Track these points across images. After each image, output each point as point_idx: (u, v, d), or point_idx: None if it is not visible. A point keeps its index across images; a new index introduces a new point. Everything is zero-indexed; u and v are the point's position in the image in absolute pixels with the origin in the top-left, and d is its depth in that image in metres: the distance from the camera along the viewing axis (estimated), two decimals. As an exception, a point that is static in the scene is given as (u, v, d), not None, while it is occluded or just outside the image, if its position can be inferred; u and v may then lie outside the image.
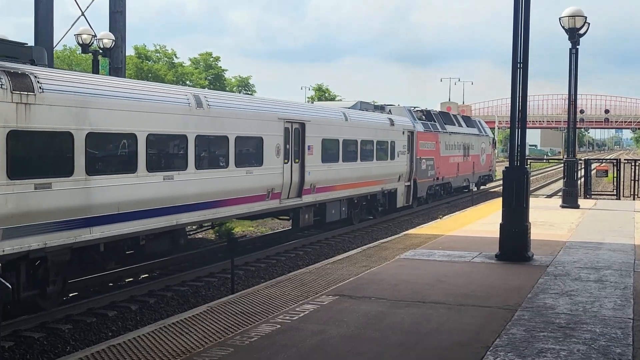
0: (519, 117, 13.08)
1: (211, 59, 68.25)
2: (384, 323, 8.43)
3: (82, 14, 31.31)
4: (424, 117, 32.47)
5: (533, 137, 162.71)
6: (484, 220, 19.36)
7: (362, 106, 27.32)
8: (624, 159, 31.34)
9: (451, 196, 36.87)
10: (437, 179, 33.01)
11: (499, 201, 25.19)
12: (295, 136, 19.54)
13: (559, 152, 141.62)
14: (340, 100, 65.49)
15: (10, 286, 3.60)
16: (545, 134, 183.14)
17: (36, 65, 11.91)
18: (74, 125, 11.80)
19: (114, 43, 27.90)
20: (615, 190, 28.39)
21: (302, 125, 19.83)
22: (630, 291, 10.33)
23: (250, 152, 17.67)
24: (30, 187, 10.88)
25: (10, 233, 10.52)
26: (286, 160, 18.99)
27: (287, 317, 8.62)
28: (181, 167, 14.72)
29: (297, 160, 19.63)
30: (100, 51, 27.90)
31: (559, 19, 22.64)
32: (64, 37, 40.40)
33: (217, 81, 66.96)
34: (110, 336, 12.10)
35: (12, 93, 10.47)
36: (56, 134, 11.52)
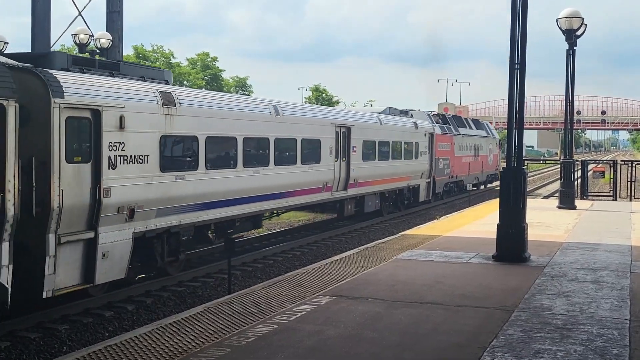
0: (516, 118, 13.09)
1: (208, 59, 68.02)
2: (381, 324, 8.42)
3: (80, 14, 31.28)
4: (440, 120, 35.51)
5: (530, 138, 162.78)
6: (481, 221, 19.38)
7: (390, 111, 30.39)
8: (621, 160, 31.40)
9: (463, 193, 39.24)
10: (452, 177, 36.17)
11: (495, 202, 25.16)
12: (342, 138, 22.74)
13: (556, 153, 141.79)
14: (338, 101, 65.90)
15: (8, 287, 3.59)
16: (542, 135, 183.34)
17: (170, 85, 15.69)
18: (198, 131, 15.13)
19: (111, 43, 27.87)
20: (611, 192, 28.40)
21: (348, 129, 23.08)
22: (627, 292, 10.34)
23: (311, 151, 20.95)
24: (173, 178, 14.26)
25: (160, 212, 13.94)
26: (336, 159, 22.22)
27: (284, 318, 8.61)
28: (265, 163, 18.09)
29: (344, 159, 22.81)
30: (98, 51, 27.86)
31: (556, 20, 22.68)
32: (61, 37, 40.30)
33: (215, 81, 66.81)
34: (107, 336, 12.07)
35: (162, 107, 13.91)
36: (187, 137, 14.95)
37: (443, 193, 34.83)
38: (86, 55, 28.32)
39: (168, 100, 14.15)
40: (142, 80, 14.49)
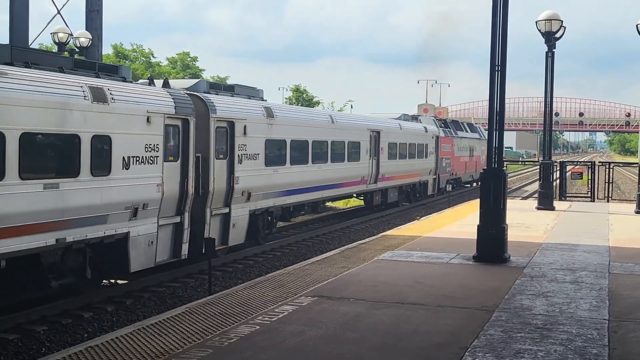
0: (496, 119, 13.15)
1: (188, 59, 67.92)
2: (363, 324, 8.45)
3: (58, 12, 31.05)
4: (442, 125, 40.67)
5: (508, 139, 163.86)
6: (461, 222, 19.48)
7: (404, 117, 35.03)
8: (599, 162, 31.69)
9: (462, 188, 45.32)
10: (452, 174, 41.38)
11: (475, 202, 25.36)
12: (374, 141, 27.75)
13: (534, 155, 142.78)
14: (318, 102, 66.35)
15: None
16: (520, 137, 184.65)
17: (267, 101, 20.80)
18: (286, 136, 20.00)
19: (90, 42, 27.69)
20: (589, 193, 28.65)
21: (378, 133, 28.20)
22: (606, 292, 10.45)
23: (354, 151, 25.82)
24: (271, 171, 19.12)
25: (264, 196, 18.79)
26: (370, 158, 27.19)
27: (267, 318, 8.61)
28: (325, 161, 23.03)
29: (375, 157, 27.74)
30: (77, 50, 27.67)
31: (536, 22, 22.86)
32: (39, 36, 39.95)
33: (194, 81, 66.59)
34: (86, 337, 11.99)
35: (266, 118, 18.91)
36: (280, 140, 19.79)
37: (445, 188, 39.08)
38: (65, 54, 28.13)
39: (269, 114, 19.24)
40: (249, 99, 19.31)
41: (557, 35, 22.90)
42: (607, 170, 28.65)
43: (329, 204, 30.54)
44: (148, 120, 13.89)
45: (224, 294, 10.33)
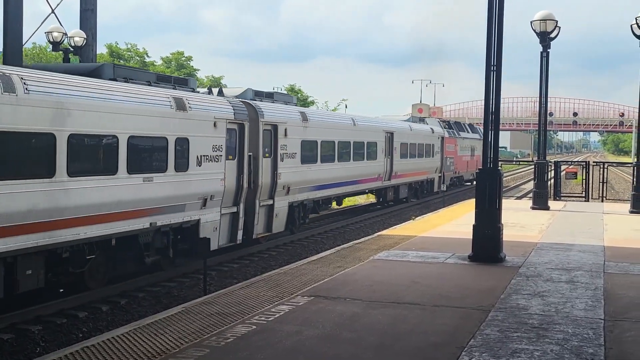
0: (492, 119, 13.16)
1: (183, 59, 67.78)
2: (360, 324, 8.45)
3: (52, 12, 30.96)
4: (447, 126, 43.39)
5: (503, 139, 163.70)
6: (456, 222, 19.50)
7: (413, 119, 39.22)
8: (593, 162, 31.75)
9: (463, 187, 48.30)
10: (455, 172, 44.39)
11: (469, 202, 25.43)
12: (388, 141, 30.45)
13: (528, 154, 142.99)
14: (313, 101, 66.58)
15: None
16: (514, 136, 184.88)
17: (299, 106, 25.37)
18: (318, 137, 22.88)
19: (85, 41, 27.62)
20: (584, 192, 28.72)
21: (392, 134, 30.95)
22: (601, 292, 10.47)
23: (372, 151, 28.66)
24: (306, 168, 21.75)
25: (300, 190, 21.65)
26: (384, 156, 29.96)
27: (263, 318, 8.60)
28: (348, 160, 25.88)
29: (389, 156, 30.43)
30: (72, 49, 27.60)
31: (531, 22, 22.87)
32: (33, 35, 39.87)
33: (190, 81, 66.49)
34: (81, 337, 11.98)
35: (302, 122, 21.72)
36: (313, 141, 22.64)
37: (449, 185, 42.19)
38: (60, 53, 28.03)
39: (304, 117, 22.15)
40: (286, 104, 22.10)
41: (552, 35, 22.92)
42: (601, 170, 28.72)
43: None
44: (214, 125, 16.67)
45: (220, 293, 10.32)
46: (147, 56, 65.27)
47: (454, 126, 45.62)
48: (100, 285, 14.26)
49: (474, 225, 13.14)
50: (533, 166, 27.39)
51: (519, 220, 19.58)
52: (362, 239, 16.45)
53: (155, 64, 65.62)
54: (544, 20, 22.62)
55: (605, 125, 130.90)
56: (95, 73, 14.46)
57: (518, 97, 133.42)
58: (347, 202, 33.68)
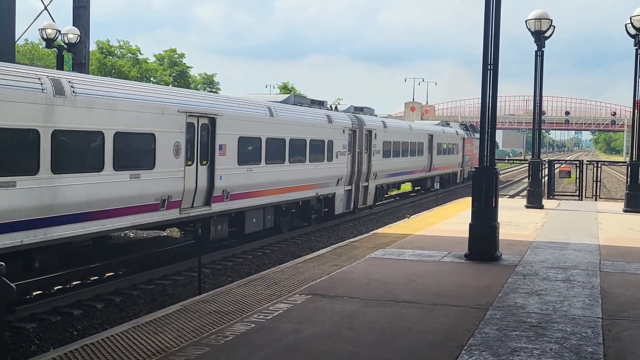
0: (489, 118, 13.17)
1: (176, 56, 67.75)
2: (358, 322, 8.45)
3: (45, 8, 30.82)
4: (464, 128, 52.41)
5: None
6: (451, 220, 19.53)
7: (442, 124, 48.32)
8: (586, 160, 31.87)
9: (450, 186, 51.63)
10: (471, 167, 48.69)
11: (463, 201, 25.54)
12: (429, 141, 38.95)
13: (521, 153, 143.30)
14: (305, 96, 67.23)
15: (14, 287, 3.60)
16: (507, 135, 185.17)
17: (377, 116, 33.39)
18: (391, 139, 30.41)
19: (79, 38, 27.54)
20: (577, 191, 28.82)
21: (432, 135, 39.52)
22: (598, 291, 10.51)
23: (420, 149, 36.91)
24: (386, 161, 30.15)
25: (380, 176, 29.54)
26: (427, 153, 38.59)
27: (262, 316, 8.59)
28: (407, 155, 34.19)
29: (429, 153, 39.07)
30: (65, 46, 27.51)
31: (525, 21, 22.91)
32: (26, 31, 39.75)
33: (182, 78, 66.46)
34: (76, 335, 11.95)
35: (384, 128, 29.70)
36: (388, 142, 30.09)
37: (466, 178, 48.03)
38: (54, 50, 27.96)
39: (385, 125, 30.67)
40: (371, 115, 30.76)
41: (547, 34, 22.97)
42: (594, 169, 28.83)
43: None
44: (343, 131, 25.52)
45: (217, 291, 10.30)
46: (140, 53, 65.14)
47: (470, 128, 54.06)
48: (288, 229, 22.80)
49: (470, 224, 13.16)
50: (526, 165, 27.44)
51: (514, 219, 19.64)
52: (358, 238, 16.45)
53: (148, 61, 65.46)
54: (538, 19, 22.66)
55: (597, 124, 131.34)
56: (286, 100, 23.93)
57: (510, 96, 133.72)
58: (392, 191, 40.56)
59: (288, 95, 26.29)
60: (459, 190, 42.59)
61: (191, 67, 69.75)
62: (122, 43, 64.36)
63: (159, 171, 15.22)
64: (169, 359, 6.92)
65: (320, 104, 26.35)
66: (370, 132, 28.01)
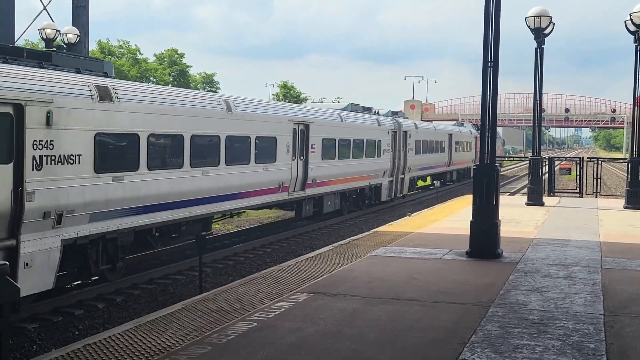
0: (489, 115, 13.17)
1: (176, 56, 67.71)
2: (360, 320, 8.44)
3: (44, 8, 30.84)
4: (476, 128, 55.36)
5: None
6: (451, 218, 19.52)
7: (457, 124, 55.94)
8: (587, 157, 31.83)
9: (451, 184, 55.34)
10: None
11: (464, 198, 25.52)
12: (449, 140, 45.06)
13: (520, 150, 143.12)
14: (306, 98, 67.17)
15: (19, 287, 3.61)
16: (506, 132, 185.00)
17: (408, 119, 42.90)
18: (421, 138, 37.98)
19: (78, 38, 27.53)
20: (578, 188, 28.79)
21: (451, 135, 45.95)
22: (599, 287, 10.50)
23: (442, 146, 43.12)
24: (418, 156, 36.81)
25: (413, 170, 35.95)
26: (448, 151, 45.06)
27: (263, 315, 8.59)
28: (432, 152, 39.99)
29: (449, 151, 45.40)
30: (65, 46, 27.49)
31: (525, 18, 22.89)
32: (25, 32, 39.70)
33: (182, 77, 66.43)
34: (78, 335, 11.97)
35: (416, 129, 36.95)
36: (419, 141, 37.11)
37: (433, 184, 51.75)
38: (52, 49, 27.93)
39: (417, 126, 37.23)
40: (405, 118, 38.37)
41: (547, 31, 22.95)
42: (595, 166, 28.78)
43: (253, 214, 35.87)
44: (387, 132, 30.85)
45: (219, 290, 10.29)
46: (140, 53, 65.09)
47: (479, 127, 60.83)
48: (347, 212, 28.11)
49: (471, 221, 13.15)
50: (527, 162, 27.41)
51: (515, 216, 19.63)
52: (359, 236, 16.43)
53: (148, 60, 65.42)
54: (538, 16, 22.64)
55: (597, 121, 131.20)
56: (345, 108, 29.37)
57: (510, 93, 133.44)
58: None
59: (346, 104, 30.76)
60: (456, 190, 42.63)
61: (191, 67, 69.77)
62: (122, 43, 64.40)
63: (278, 164, 20.83)
64: (171, 358, 6.91)
65: (369, 109, 31.55)
66: (405, 132, 33.71)
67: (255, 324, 8.19)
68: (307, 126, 22.70)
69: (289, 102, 60.51)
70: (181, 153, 16.06)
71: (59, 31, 27.89)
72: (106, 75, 15.10)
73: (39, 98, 11.80)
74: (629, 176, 23.50)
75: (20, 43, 32.70)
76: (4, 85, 11.26)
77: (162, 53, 68.33)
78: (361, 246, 14.22)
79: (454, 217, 19.67)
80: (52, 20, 29.61)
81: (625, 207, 22.84)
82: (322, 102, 67.58)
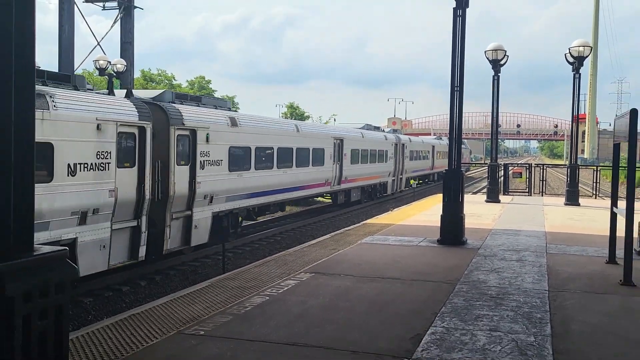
0: (455, 130, 13.16)
1: (204, 82, 67.72)
2: (352, 295, 8.42)
3: (98, 44, 30.83)
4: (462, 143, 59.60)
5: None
6: (426, 212, 19.48)
7: (437, 138, 54.67)
8: (535, 164, 31.77)
9: (426, 185, 55.28)
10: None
11: (436, 197, 25.43)
12: (432, 151, 47.58)
13: (481, 158, 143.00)
14: (309, 116, 66.88)
15: (77, 267, 3.60)
16: (470, 144, 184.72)
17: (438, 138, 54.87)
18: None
19: (125, 68, 27.51)
20: (527, 189, 28.76)
21: (433, 146, 48.16)
22: (545, 268, 10.48)
23: (425, 155, 45.40)
24: (415, 159, 42.70)
25: (388, 175, 34.14)
26: (431, 159, 47.25)
27: (274, 291, 8.56)
28: (416, 159, 42.14)
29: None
30: (114, 74, 27.49)
31: (485, 52, 22.91)
32: (83, 62, 39.69)
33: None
34: (125, 307, 11.94)
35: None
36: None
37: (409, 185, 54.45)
38: (105, 77, 27.93)
39: (410, 140, 39.85)
40: (399, 134, 39.80)
41: (502, 62, 22.96)
42: (541, 170, 28.78)
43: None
44: (391, 144, 34.17)
45: (239, 271, 10.26)
46: (174, 79, 65.06)
47: (449, 140, 69.39)
48: (364, 201, 30.87)
49: (441, 215, 13.13)
50: (486, 168, 27.39)
51: (476, 211, 19.59)
52: (351, 227, 16.40)
53: (181, 85, 65.37)
54: (495, 50, 22.68)
55: (543, 134, 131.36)
56: (363, 127, 32.24)
57: (473, 112, 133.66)
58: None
59: (363, 124, 33.23)
60: (430, 189, 42.60)
61: (216, 91, 69.69)
62: (160, 71, 64.34)
63: (325, 167, 24.73)
64: (200, 325, 6.90)
65: (377, 128, 35.66)
66: (403, 144, 37.05)
67: (268, 298, 8.17)
68: (342, 140, 26.56)
69: (294, 119, 60.31)
70: (272, 159, 19.80)
71: (110, 62, 27.88)
72: (229, 109, 18.61)
73: (203, 126, 15.53)
74: (568, 179, 23.49)
75: (79, 72, 32.64)
76: (187, 118, 14.92)
77: (193, 79, 68.32)
78: (353, 235, 14.19)
79: (428, 212, 19.63)
80: (104, 54, 29.59)
81: (565, 204, 22.81)
82: (320, 118, 67.33)
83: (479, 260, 11.16)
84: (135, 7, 31.53)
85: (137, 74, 57.60)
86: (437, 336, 6.64)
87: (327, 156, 24.83)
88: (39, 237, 10.78)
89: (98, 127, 11.94)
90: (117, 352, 6.00)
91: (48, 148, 10.88)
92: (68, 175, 11.36)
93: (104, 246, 12.31)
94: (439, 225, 13.17)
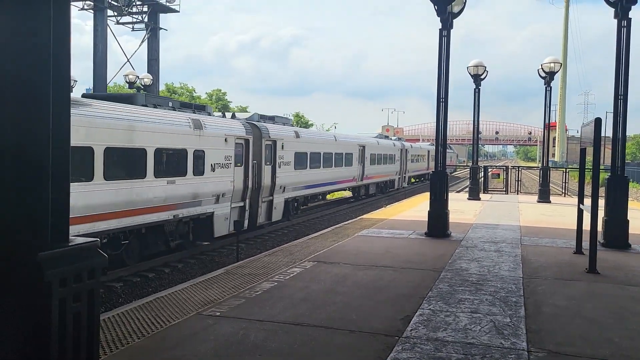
0: (441, 137, 13.13)
1: (221, 94, 67.76)
2: (350, 281, 8.40)
3: (128, 61, 30.87)
4: (448, 147, 58.82)
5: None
6: (415, 209, 19.44)
7: (431, 144, 52.77)
8: (511, 166, 31.70)
9: (416, 184, 55.38)
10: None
11: (425, 195, 25.38)
12: (428, 154, 49.04)
13: (463, 161, 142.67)
14: (313, 124, 66.77)
15: (107, 256, 3.60)
16: (454, 148, 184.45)
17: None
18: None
19: (151, 81, 27.53)
20: (504, 188, 28.70)
21: (429, 151, 49.39)
22: (519, 258, 10.44)
23: (422, 158, 47.46)
24: (411, 162, 45.11)
25: (395, 174, 37.39)
26: (427, 161, 48.43)
27: (282, 277, 8.55)
28: (416, 162, 45.76)
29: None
30: (142, 87, 27.51)
31: (467, 67, 22.86)
32: (114, 77, 39.77)
33: (225, 110, 66.44)
34: (151, 291, 11.95)
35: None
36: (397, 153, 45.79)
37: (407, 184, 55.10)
38: (133, 91, 27.98)
39: (412, 146, 42.62)
40: (402, 141, 42.42)
41: (482, 77, 22.91)
42: (517, 172, 28.71)
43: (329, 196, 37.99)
44: (398, 150, 36.17)
45: (250, 260, 10.25)
46: (195, 92, 65.09)
47: (435, 145, 71.39)
48: (377, 194, 33.06)
49: (428, 211, 13.10)
50: (468, 170, 27.33)
51: (459, 208, 19.54)
52: (349, 221, 16.37)
53: (200, 97, 65.40)
54: (476, 66, 22.62)
55: (518, 140, 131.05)
56: (376, 136, 36.77)
57: (456, 121, 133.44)
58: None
59: (376, 134, 37.39)
60: (418, 189, 42.54)
61: (231, 102, 69.73)
62: (182, 84, 64.38)
63: (353, 167, 27.96)
64: (216, 307, 6.89)
65: (387, 137, 39.36)
66: (406, 150, 40.37)
67: (276, 283, 8.16)
68: (364, 147, 29.72)
69: (300, 127, 60.53)
70: (319, 161, 23.33)
71: (138, 76, 27.90)
72: (291, 125, 21.94)
73: (279, 138, 19.18)
74: (540, 179, 23.44)
75: (110, 85, 32.69)
76: (271, 133, 18.70)
77: (211, 92, 68.35)
78: (350, 228, 14.16)
79: (417, 208, 19.59)
80: (133, 69, 29.64)
81: (538, 201, 22.75)
82: (322, 126, 67.13)
83: (462, 250, 11.12)
84: (161, 28, 31.58)
85: (161, 87, 57.69)
86: (424, 317, 6.62)
87: (354, 159, 28.12)
88: (196, 210, 14.71)
89: (225, 140, 15.73)
90: (144, 331, 6.00)
91: (202, 154, 14.66)
92: (211, 171, 15.12)
93: (226, 218, 16.09)
94: (426, 219, 13.13)
